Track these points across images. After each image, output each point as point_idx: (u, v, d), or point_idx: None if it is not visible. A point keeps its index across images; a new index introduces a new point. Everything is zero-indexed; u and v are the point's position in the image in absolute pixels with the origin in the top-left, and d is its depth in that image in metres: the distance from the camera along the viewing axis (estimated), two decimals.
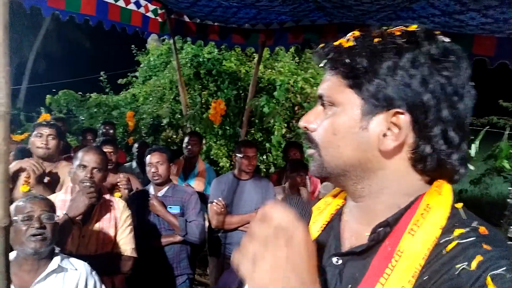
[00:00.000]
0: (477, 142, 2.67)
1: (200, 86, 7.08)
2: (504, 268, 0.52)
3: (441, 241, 0.61)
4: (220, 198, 3.04)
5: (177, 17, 4.65)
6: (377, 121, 0.66)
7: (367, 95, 0.66)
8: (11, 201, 1.68)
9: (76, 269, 1.73)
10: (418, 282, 0.58)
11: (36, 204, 1.72)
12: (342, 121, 0.68)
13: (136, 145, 4.47)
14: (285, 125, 6.30)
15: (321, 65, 0.73)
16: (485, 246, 0.56)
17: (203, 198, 3.33)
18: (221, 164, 6.39)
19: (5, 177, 1.31)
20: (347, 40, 0.69)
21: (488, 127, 2.82)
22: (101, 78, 8.29)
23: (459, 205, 0.65)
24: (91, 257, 2.02)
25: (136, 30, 4.38)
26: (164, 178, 2.93)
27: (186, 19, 4.68)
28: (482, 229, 0.60)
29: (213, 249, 3.26)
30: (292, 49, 6.69)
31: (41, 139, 2.70)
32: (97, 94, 7.76)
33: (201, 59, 6.96)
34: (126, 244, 2.31)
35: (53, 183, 2.71)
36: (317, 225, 0.79)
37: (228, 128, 6.50)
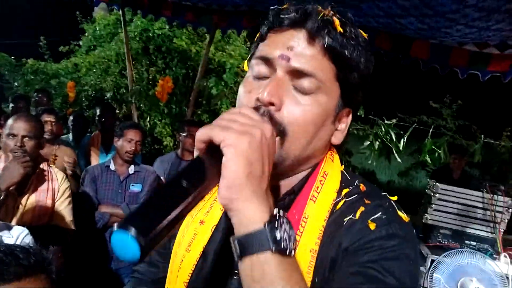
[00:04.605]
0: (405, 137, 2.94)
1: (148, 62, 6.90)
2: (380, 213, 0.66)
3: (335, 202, 0.69)
4: (162, 178, 3.06)
5: None
6: (339, 117, 0.72)
7: (346, 92, 0.69)
8: None
9: (12, 237, 1.69)
10: (322, 241, 0.65)
11: None
12: (322, 111, 0.67)
13: (71, 117, 4.11)
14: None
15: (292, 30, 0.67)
16: (366, 201, 0.68)
17: None
18: (165, 143, 6.33)
19: None
20: (337, 23, 0.67)
21: (416, 124, 3.11)
22: (40, 43, 7.74)
23: (342, 168, 0.76)
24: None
25: None
26: (135, 156, 2.86)
27: None
28: (362, 187, 0.72)
29: None
30: (244, 33, 6.71)
31: None
32: (34, 60, 7.25)
33: (150, 34, 6.76)
34: (64, 216, 2.27)
35: None
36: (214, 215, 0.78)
37: (174, 107, 6.43)
